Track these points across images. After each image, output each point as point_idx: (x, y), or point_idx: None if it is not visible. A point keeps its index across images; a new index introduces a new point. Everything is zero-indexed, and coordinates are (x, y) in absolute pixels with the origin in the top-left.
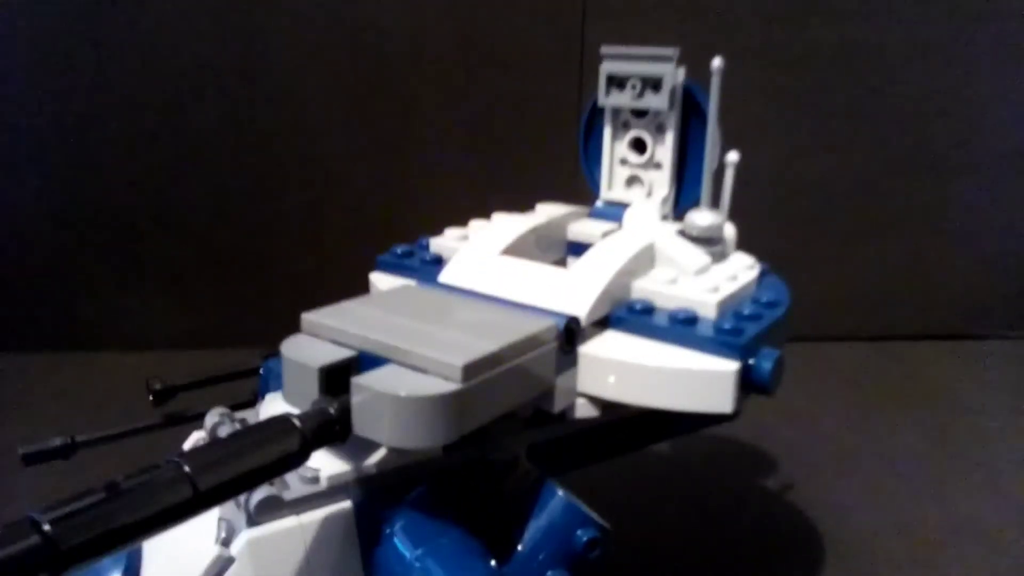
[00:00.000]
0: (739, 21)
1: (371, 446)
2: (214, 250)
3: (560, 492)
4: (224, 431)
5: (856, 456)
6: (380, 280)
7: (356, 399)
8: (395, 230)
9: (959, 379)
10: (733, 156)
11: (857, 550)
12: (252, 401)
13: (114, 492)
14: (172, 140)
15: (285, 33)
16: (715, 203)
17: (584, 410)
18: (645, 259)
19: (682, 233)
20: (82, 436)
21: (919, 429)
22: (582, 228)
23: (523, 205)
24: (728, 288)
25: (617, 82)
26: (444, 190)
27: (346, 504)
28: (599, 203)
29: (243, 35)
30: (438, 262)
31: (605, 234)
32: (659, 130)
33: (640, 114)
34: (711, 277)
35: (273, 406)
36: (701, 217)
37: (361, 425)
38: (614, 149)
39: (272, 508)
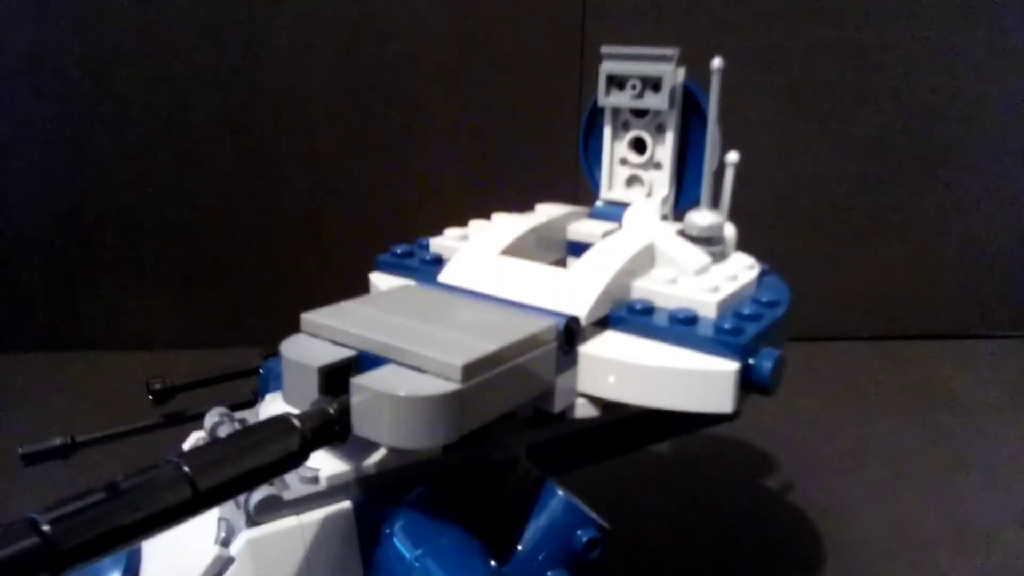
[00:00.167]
0: (739, 21)
1: (371, 446)
2: (214, 250)
3: (560, 492)
4: (224, 431)
5: (856, 456)
6: (380, 280)
7: (356, 399)
8: (395, 230)
9: (959, 379)
10: (733, 156)
11: (857, 550)
12: (252, 401)
13: (114, 492)
14: (173, 140)
15: (285, 33)
16: (715, 203)
17: (584, 410)
18: (645, 259)
19: (682, 233)
20: (82, 436)
21: (919, 429)
22: (582, 228)
23: (523, 205)
24: (728, 288)
25: (617, 82)
26: (444, 190)
27: (346, 504)
28: (599, 203)
29: (243, 35)
30: (438, 262)
31: (605, 234)
32: (659, 130)
33: (640, 114)
34: (711, 277)
35: (273, 406)
36: (701, 217)
37: (361, 425)
38: (614, 149)
39: (272, 508)
